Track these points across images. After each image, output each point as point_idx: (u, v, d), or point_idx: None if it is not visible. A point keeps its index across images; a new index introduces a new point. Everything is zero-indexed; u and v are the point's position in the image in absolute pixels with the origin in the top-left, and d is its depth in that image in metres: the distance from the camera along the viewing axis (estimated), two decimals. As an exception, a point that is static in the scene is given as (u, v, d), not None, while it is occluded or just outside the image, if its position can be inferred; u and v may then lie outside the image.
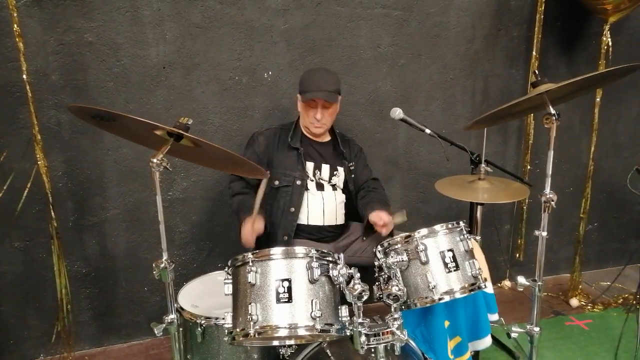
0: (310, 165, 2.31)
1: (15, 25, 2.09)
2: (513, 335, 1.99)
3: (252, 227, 2.05)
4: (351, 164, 2.41)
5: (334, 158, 2.38)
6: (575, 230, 3.08)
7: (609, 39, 2.75)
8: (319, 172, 2.32)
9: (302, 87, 2.24)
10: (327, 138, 2.40)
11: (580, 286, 3.12)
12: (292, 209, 2.24)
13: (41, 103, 2.29)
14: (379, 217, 2.13)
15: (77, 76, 2.34)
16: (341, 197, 2.36)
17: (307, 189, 2.28)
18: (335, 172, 2.35)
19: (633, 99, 3.26)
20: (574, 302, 3.02)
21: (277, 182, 2.27)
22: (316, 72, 2.32)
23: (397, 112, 2.36)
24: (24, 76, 2.14)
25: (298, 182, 2.26)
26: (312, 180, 2.31)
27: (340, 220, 2.35)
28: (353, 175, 2.41)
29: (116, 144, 2.45)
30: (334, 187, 2.35)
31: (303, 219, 2.27)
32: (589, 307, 2.99)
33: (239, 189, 2.28)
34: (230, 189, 2.32)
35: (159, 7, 2.37)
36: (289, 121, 2.42)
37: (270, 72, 2.60)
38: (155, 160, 1.53)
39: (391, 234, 2.17)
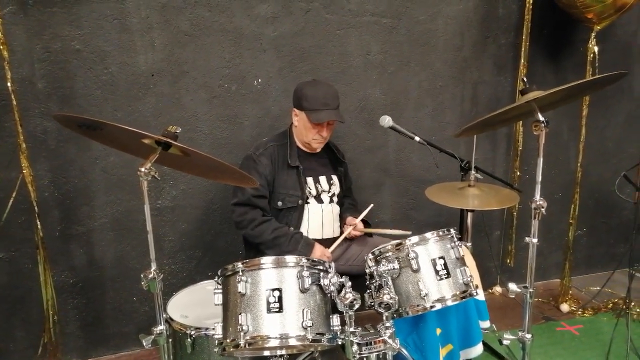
0: (310, 181, 2.30)
1: (0, 33, 2.06)
2: (505, 342, 1.99)
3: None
4: (341, 168, 2.44)
5: (328, 168, 2.39)
6: (565, 235, 3.10)
7: (595, 47, 2.79)
8: (319, 185, 2.32)
9: (309, 105, 2.15)
10: (320, 149, 2.39)
11: (570, 291, 3.14)
12: (292, 229, 2.23)
13: (27, 111, 2.26)
14: (351, 222, 2.32)
15: (63, 84, 2.31)
16: (337, 209, 2.37)
17: (307, 202, 2.27)
18: (331, 182, 2.36)
19: (620, 105, 3.30)
20: (565, 307, 3.03)
21: (280, 204, 2.23)
22: (319, 87, 2.20)
23: (387, 120, 2.36)
24: (9, 84, 2.10)
25: (300, 202, 2.24)
26: (313, 195, 2.30)
27: (337, 232, 2.37)
28: (343, 180, 2.44)
29: (104, 152, 2.42)
30: (331, 198, 2.35)
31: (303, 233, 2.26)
32: (579, 313, 3.00)
33: (260, 217, 2.17)
34: (245, 220, 2.17)
35: (147, 14, 2.35)
36: (277, 132, 2.39)
37: (259, 80, 2.59)
38: (143, 170, 1.51)
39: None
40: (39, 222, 2.26)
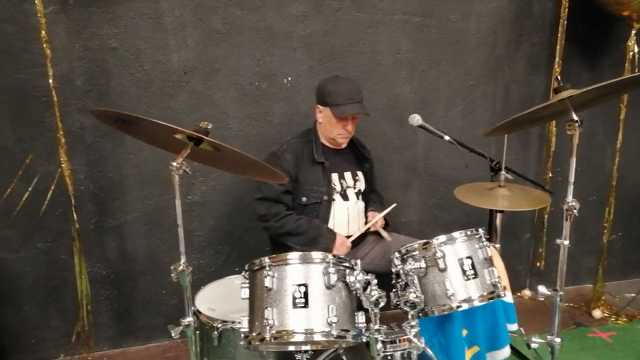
0: (335, 177, 2.30)
1: (43, 32, 2.15)
2: (533, 345, 1.95)
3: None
4: (366, 164, 2.44)
5: (353, 163, 2.39)
6: (599, 239, 3.01)
7: (636, 46, 2.70)
8: (344, 182, 2.32)
9: (332, 100, 2.17)
10: (345, 144, 2.39)
11: (603, 297, 3.05)
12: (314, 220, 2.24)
13: (66, 107, 2.34)
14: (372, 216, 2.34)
15: (100, 81, 2.38)
16: (362, 206, 2.37)
17: (333, 200, 2.28)
18: (356, 177, 2.36)
19: (659, 106, 3.18)
20: (597, 313, 2.95)
21: (304, 199, 2.24)
22: (341, 82, 2.23)
23: (416, 119, 2.34)
24: (50, 81, 2.19)
25: (325, 198, 2.25)
26: (338, 192, 2.30)
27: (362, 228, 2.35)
28: (369, 176, 2.45)
29: (137, 148, 2.49)
30: (357, 195, 2.35)
31: None
32: (612, 319, 2.91)
33: (284, 211, 2.20)
34: (270, 214, 2.19)
35: (181, 13, 2.41)
36: (303, 129, 2.41)
37: (289, 78, 2.61)
38: (175, 164, 1.55)
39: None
40: (75, 215, 2.34)
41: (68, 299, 2.54)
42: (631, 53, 2.72)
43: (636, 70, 2.73)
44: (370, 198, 2.47)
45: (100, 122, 2.27)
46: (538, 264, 3.18)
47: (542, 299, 1.91)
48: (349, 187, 2.33)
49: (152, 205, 2.58)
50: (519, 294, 3.21)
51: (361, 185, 2.37)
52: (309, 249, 2.13)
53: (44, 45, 2.16)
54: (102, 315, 2.63)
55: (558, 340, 1.88)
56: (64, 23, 2.28)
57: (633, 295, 3.04)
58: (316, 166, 2.27)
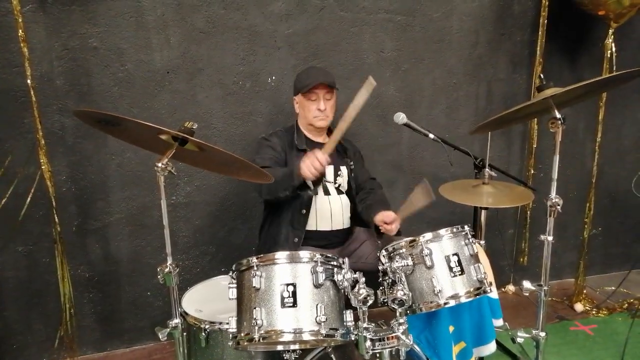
0: None
1: (20, 31, 2.10)
2: (518, 340, 1.98)
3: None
4: (351, 162, 2.42)
5: (336, 158, 2.37)
6: (580, 235, 3.07)
7: (613, 44, 2.75)
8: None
9: (300, 83, 2.25)
10: (324, 127, 2.36)
11: (584, 291, 3.11)
12: (304, 211, 2.22)
13: (45, 108, 2.30)
14: (384, 217, 2.11)
15: (81, 81, 2.34)
16: (346, 201, 2.35)
17: (315, 193, 2.27)
18: (339, 172, 2.35)
19: (637, 103, 3.25)
20: (579, 307, 3.01)
21: None
22: (310, 69, 2.35)
23: (401, 117, 2.36)
24: (29, 81, 2.14)
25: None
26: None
27: (347, 224, 2.35)
28: (353, 174, 2.41)
29: (120, 148, 2.46)
30: (338, 189, 2.34)
31: (312, 225, 2.26)
32: (593, 312, 2.97)
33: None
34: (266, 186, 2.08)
35: (163, 12, 2.38)
36: (289, 125, 2.41)
37: (273, 77, 2.60)
38: (160, 165, 1.53)
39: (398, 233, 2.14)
40: (56, 217, 2.30)
41: (51, 303, 2.49)
42: (609, 52, 2.77)
43: (614, 69, 2.79)
44: (370, 191, 2.40)
45: (81, 123, 2.24)
46: (521, 259, 3.23)
47: (527, 294, 1.93)
48: (328, 181, 2.32)
49: (135, 207, 2.55)
50: (503, 289, 3.26)
51: (342, 181, 2.36)
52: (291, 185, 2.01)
53: (22, 44, 2.11)
54: (85, 318, 2.59)
55: (543, 334, 1.91)
56: (43, 22, 2.24)
57: (613, 288, 3.10)
58: (299, 154, 2.25)
